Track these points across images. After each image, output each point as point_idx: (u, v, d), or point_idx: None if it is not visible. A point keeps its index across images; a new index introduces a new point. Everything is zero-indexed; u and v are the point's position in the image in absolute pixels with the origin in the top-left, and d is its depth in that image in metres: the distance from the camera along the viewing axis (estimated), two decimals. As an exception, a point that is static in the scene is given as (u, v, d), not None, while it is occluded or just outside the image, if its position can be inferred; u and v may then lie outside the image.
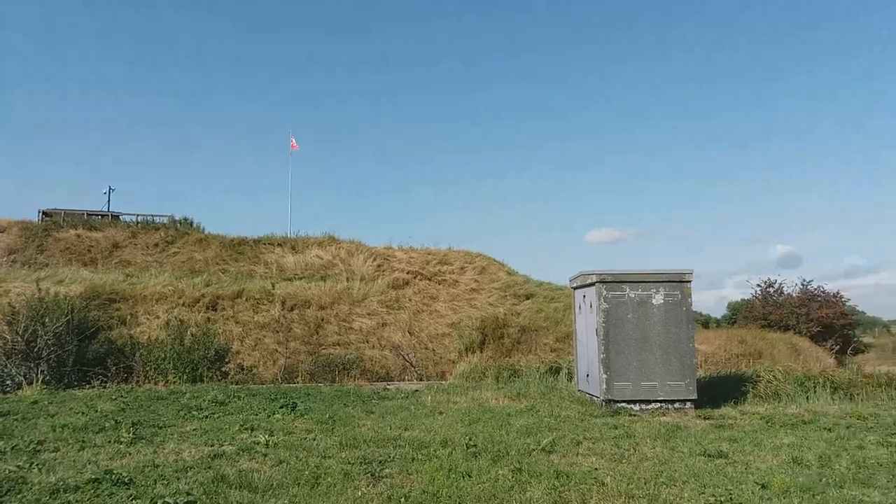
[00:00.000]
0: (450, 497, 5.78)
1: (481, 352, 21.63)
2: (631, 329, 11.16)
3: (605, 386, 11.05)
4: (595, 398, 11.50)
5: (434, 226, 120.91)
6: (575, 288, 12.90)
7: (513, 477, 6.40)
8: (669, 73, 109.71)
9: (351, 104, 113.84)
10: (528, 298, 27.25)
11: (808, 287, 34.34)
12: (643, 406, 11.01)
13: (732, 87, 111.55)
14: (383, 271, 29.22)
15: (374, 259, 30.48)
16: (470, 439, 7.94)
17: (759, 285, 36.10)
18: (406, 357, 20.65)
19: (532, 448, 7.77)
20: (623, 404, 10.97)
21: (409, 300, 26.45)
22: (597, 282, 11.31)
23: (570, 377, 13.99)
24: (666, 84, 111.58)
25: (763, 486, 6.13)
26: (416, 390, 13.71)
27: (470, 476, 6.42)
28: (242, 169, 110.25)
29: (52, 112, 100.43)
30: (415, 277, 28.84)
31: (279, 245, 32.12)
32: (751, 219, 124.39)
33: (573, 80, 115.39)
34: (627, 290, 11.25)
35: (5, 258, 29.80)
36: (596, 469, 6.82)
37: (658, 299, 11.24)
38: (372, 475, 6.52)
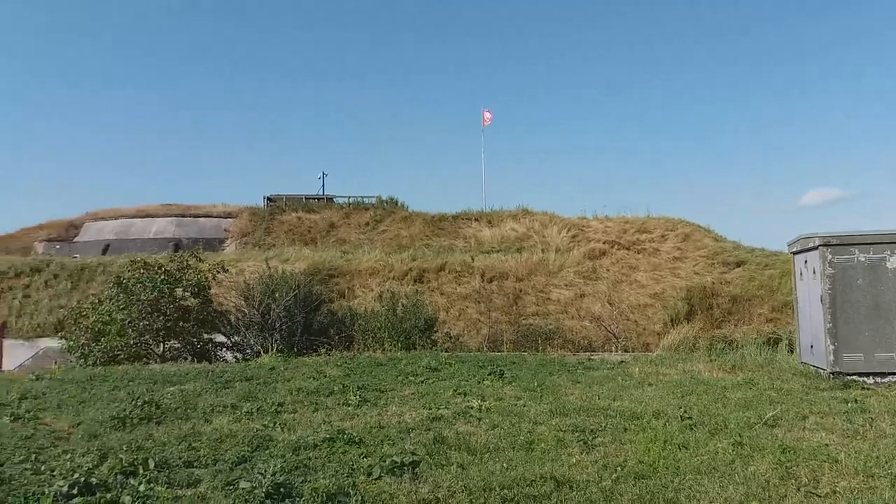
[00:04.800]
0: (667, 468, 5.70)
1: (688, 323, 20.79)
2: (861, 296, 10.14)
3: (832, 357, 10.18)
4: (821, 371, 10.63)
5: (631, 193, 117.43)
6: (794, 253, 11.94)
7: (733, 450, 6.17)
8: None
9: (542, 74, 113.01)
10: (738, 266, 25.67)
11: None
12: (878, 379, 10.00)
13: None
14: (578, 242, 29.01)
15: (569, 230, 30.35)
16: (684, 411, 7.73)
17: None
18: (608, 328, 20.42)
19: (753, 422, 7.40)
20: (854, 377, 10.04)
21: (607, 270, 26.05)
22: (820, 245, 10.39)
23: (790, 349, 13.05)
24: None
25: None
26: (622, 361, 13.54)
27: (687, 448, 6.28)
28: (440, 146, 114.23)
29: (274, 102, 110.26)
30: (612, 247, 28.31)
31: (476, 219, 33.08)
32: None
33: (788, 24, 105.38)
34: (856, 253, 10.22)
35: (239, 240, 33.58)
36: (826, 445, 6.35)
37: (893, 262, 10.10)
38: (584, 443, 6.59)
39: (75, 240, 35.65)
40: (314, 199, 38.46)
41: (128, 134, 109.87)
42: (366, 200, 37.10)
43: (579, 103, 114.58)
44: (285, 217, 34.56)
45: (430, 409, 8.52)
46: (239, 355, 18.02)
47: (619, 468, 5.73)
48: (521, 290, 24.11)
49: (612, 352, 17.64)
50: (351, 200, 37.37)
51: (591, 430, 7.08)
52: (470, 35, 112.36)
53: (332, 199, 38.54)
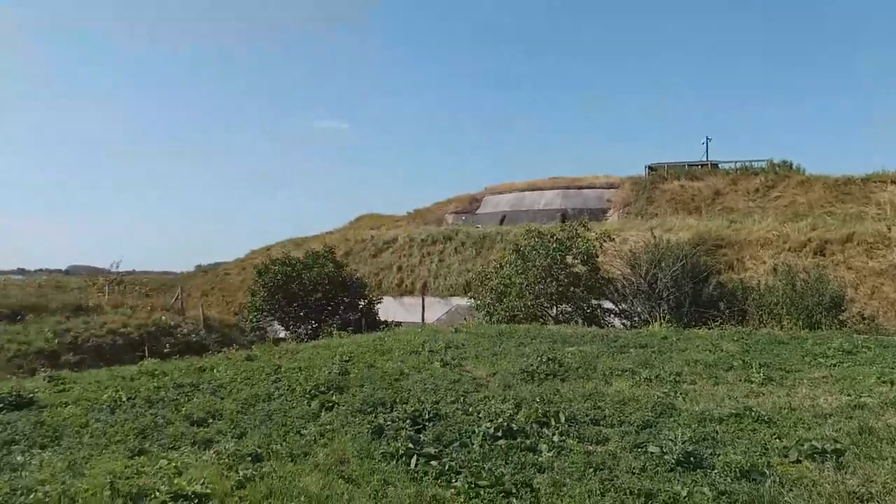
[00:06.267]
0: None
1: None
2: None
3: None
4: None
5: None
6: None
7: None
8: None
9: None
10: None
11: None
12: None
13: None
14: None
15: None
16: None
17: None
18: None
19: None
20: None
21: None
22: None
23: None
24: None
25: None
26: None
27: None
28: (845, 100, 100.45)
29: (653, 74, 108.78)
30: None
31: (893, 182, 28.46)
32: None
33: None
34: None
35: (620, 210, 34.07)
36: None
37: None
38: None
39: (477, 212, 40.02)
40: (697, 165, 37.05)
41: (509, 126, 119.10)
42: (754, 165, 34.54)
43: None
44: (667, 186, 33.97)
45: (850, 395, 7.76)
46: (626, 322, 18.44)
47: None
48: (960, 266, 20.10)
49: None
50: (737, 166, 35.11)
51: None
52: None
53: (716, 165, 36.69)
